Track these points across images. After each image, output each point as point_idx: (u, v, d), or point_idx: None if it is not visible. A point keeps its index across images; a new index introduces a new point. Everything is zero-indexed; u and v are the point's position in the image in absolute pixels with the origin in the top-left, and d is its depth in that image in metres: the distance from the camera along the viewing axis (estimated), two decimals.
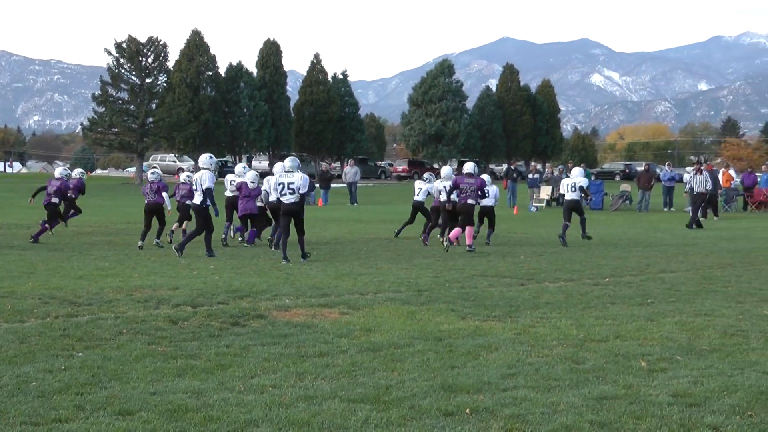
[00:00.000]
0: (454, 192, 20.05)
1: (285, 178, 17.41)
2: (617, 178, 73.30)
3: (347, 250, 19.61)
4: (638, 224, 26.63)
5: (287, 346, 8.59)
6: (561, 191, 23.13)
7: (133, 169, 64.71)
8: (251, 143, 69.64)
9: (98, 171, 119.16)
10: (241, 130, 68.15)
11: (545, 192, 42.53)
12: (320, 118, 74.70)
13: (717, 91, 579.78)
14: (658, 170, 54.18)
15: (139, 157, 64.75)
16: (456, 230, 19.94)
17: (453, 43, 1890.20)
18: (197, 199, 18.27)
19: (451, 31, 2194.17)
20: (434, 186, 22.10)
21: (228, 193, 21.45)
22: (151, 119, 63.26)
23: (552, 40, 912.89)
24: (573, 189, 21.97)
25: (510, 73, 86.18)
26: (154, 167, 25.76)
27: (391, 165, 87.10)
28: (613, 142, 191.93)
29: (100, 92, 64.02)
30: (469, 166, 20.57)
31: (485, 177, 22.40)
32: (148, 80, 63.88)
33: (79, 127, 76.11)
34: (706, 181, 30.42)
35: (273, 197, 18.43)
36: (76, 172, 25.05)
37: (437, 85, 77.04)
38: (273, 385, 7.06)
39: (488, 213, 22.01)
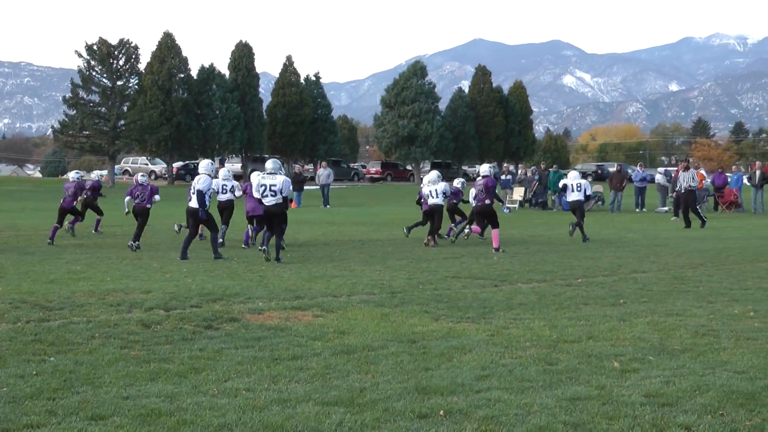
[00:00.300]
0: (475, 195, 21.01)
1: (267, 180, 17.77)
2: (590, 178, 73.32)
3: (320, 252, 19.60)
4: (610, 225, 26.78)
5: (261, 350, 8.58)
6: (566, 186, 23.79)
7: (104, 172, 64.28)
8: (224, 145, 69.36)
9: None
10: (214, 133, 67.86)
11: (518, 193, 42.69)
12: (293, 120, 74.55)
13: (687, 92, 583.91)
14: (630, 171, 54.52)
15: (111, 160, 64.38)
16: (476, 228, 20.78)
17: (425, 45, 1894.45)
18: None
19: (424, 32, 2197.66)
20: (423, 190, 22.48)
21: (221, 198, 21.46)
22: (122, 122, 62.89)
23: (524, 42, 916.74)
24: (578, 188, 22.96)
25: (482, 74, 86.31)
26: (143, 172, 26.06)
27: (364, 167, 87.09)
28: (585, 143, 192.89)
29: (70, 95, 63.59)
30: (484, 168, 21.67)
31: (459, 180, 22.95)
32: (119, 82, 63.51)
33: (50, 130, 75.63)
34: (693, 177, 30.71)
35: (256, 195, 18.55)
36: (95, 174, 25.76)
37: (410, 86, 77.05)
38: (247, 389, 7.04)
39: (438, 211, 21.98)
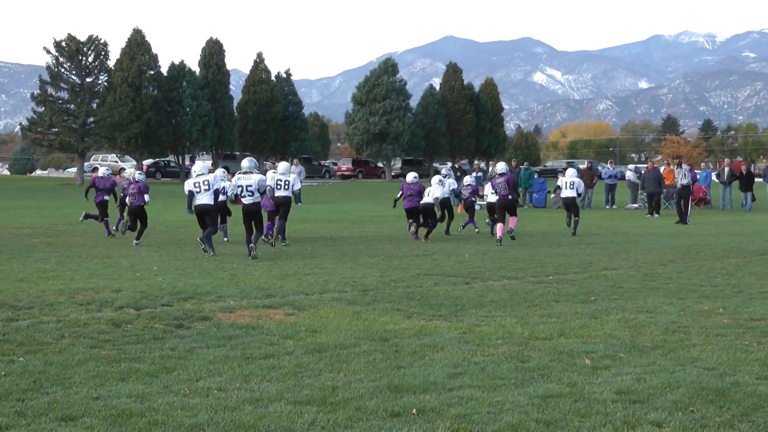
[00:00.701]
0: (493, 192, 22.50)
1: (243, 180, 18.07)
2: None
3: (292, 250, 19.56)
4: (581, 222, 26.85)
5: (232, 348, 8.55)
6: (560, 186, 26.12)
7: (74, 170, 63.79)
8: (194, 143, 69.04)
9: (38, 172, 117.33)
10: (184, 130, 67.51)
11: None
12: (264, 117, 74.32)
13: (657, 90, 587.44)
14: (600, 168, 54.80)
15: (80, 158, 63.92)
16: (500, 225, 21.55)
17: (396, 42, 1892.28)
18: (208, 199, 18.39)
19: (395, 29, 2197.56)
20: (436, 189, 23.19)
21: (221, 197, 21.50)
22: (92, 119, 62.42)
23: (494, 39, 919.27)
24: (571, 186, 24.32)
25: (453, 71, 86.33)
26: (140, 169, 25.81)
27: (335, 164, 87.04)
28: (555, 140, 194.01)
29: (39, 92, 63.04)
30: (501, 166, 23.03)
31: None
32: (88, 79, 63.04)
33: (18, 127, 74.87)
34: (685, 174, 31.08)
35: (230, 195, 19.26)
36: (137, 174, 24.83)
37: (381, 84, 77.01)
38: (218, 388, 7.02)
39: (429, 211, 22.75)
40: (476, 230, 25.17)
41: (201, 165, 19.78)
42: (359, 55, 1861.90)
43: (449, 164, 67.74)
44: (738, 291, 12.77)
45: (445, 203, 23.65)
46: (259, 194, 18.11)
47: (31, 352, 8.29)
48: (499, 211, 22.21)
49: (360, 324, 9.93)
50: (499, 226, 21.57)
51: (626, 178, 41.25)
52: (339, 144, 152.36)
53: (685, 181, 30.96)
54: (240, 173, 18.40)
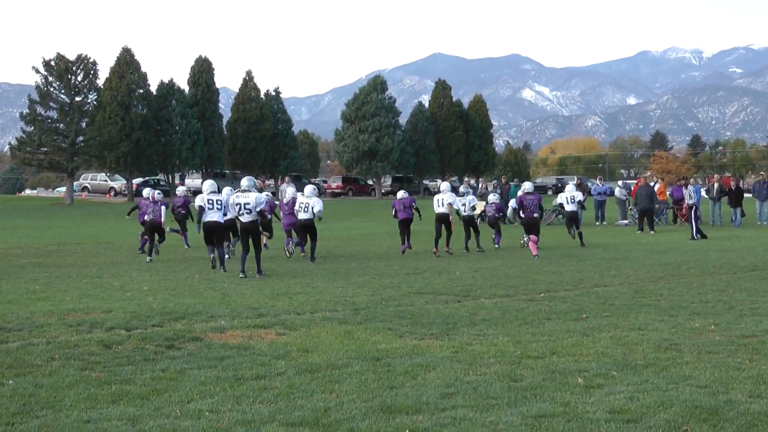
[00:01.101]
0: (521, 209, 23.61)
1: (241, 199, 18.30)
2: (550, 192, 73.94)
3: (282, 268, 19.54)
4: (571, 238, 26.89)
5: (224, 369, 8.51)
6: (559, 202, 27.70)
7: (63, 189, 63.61)
8: (184, 161, 68.90)
9: (27, 191, 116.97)
10: (174, 148, 67.43)
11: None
12: (253, 136, 74.30)
13: (645, 105, 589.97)
14: (589, 184, 54.85)
15: (70, 177, 63.77)
16: (532, 241, 22.58)
17: (385, 59, 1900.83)
18: (218, 217, 19.30)
19: (383, 47, 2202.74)
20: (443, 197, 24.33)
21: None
22: (81, 138, 62.31)
23: (483, 56, 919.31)
24: (572, 201, 25.93)
25: (442, 88, 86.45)
26: (159, 189, 26.31)
27: (325, 182, 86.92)
28: (545, 157, 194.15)
29: (28, 111, 62.93)
30: (527, 186, 24.17)
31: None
32: (77, 98, 62.98)
33: (7, 146, 74.70)
34: (691, 194, 31.42)
35: (231, 215, 19.23)
36: (181, 190, 25.77)
37: (370, 101, 77.08)
38: (210, 410, 6.98)
39: (444, 221, 24.02)
40: (496, 246, 26.22)
41: (210, 182, 19.95)
42: (348, 73, 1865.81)
43: (463, 181, 67.76)
44: (729, 307, 12.77)
45: (470, 221, 24.96)
46: (256, 213, 18.19)
47: (21, 375, 8.24)
48: (526, 229, 23.46)
49: (352, 343, 9.90)
50: (533, 238, 22.65)
51: (615, 194, 41.21)
52: (329, 161, 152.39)
53: (691, 201, 31.32)
54: (239, 191, 18.57)
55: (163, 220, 22.63)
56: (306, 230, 22.34)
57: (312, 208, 22.00)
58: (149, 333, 10.50)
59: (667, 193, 40.84)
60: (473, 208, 25.48)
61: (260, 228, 18.77)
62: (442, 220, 23.77)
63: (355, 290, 15.11)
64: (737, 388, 7.68)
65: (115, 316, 11.79)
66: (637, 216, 36.04)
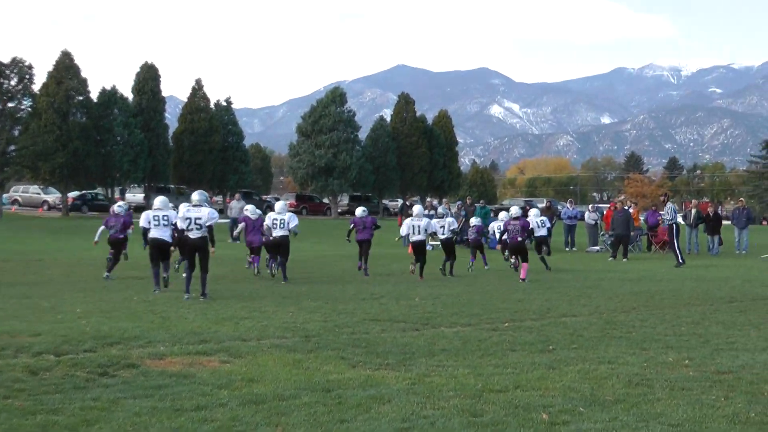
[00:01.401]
0: (505, 233, 24.94)
1: (192, 213, 18.27)
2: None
3: (228, 291, 19.42)
4: (539, 264, 27.02)
5: (161, 399, 8.42)
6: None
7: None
8: (125, 174, 68.40)
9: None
10: (114, 160, 66.94)
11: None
12: (201, 148, 74.00)
13: (620, 125, 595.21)
14: (560, 207, 55.16)
15: (0, 189, 63.12)
16: (524, 266, 23.41)
17: (345, 70, 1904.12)
18: (165, 234, 19.54)
19: (344, 57, 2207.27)
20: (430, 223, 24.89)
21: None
22: (13, 147, 61.61)
23: (449, 69, 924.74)
24: (542, 225, 27.89)
25: (405, 102, 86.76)
26: (120, 202, 25.89)
27: (277, 199, 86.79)
28: (513, 177, 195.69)
29: None
30: (515, 210, 24.64)
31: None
32: (10, 104, 62.24)
33: None
34: (669, 211, 31.85)
35: (180, 227, 18.97)
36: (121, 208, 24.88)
37: (328, 114, 77.18)
38: None
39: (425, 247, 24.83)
40: (482, 267, 27.76)
41: (161, 199, 20.01)
42: (305, 84, 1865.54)
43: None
44: (704, 341, 12.84)
45: (448, 244, 25.36)
46: (206, 229, 18.14)
47: None
48: (511, 253, 24.71)
49: (301, 373, 9.84)
50: (524, 265, 23.41)
51: (585, 219, 41.35)
52: (282, 178, 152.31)
53: (669, 218, 31.90)
54: (190, 206, 18.51)
55: (124, 236, 22.80)
56: (279, 247, 22.70)
57: (288, 223, 22.59)
58: (80, 359, 10.38)
59: (641, 218, 41.19)
60: (453, 231, 25.73)
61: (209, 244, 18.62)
62: (420, 247, 24.23)
63: (307, 316, 15.04)
64: (711, 427, 7.72)
65: (43, 340, 11.63)
66: (609, 242, 36.30)
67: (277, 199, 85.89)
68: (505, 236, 25.28)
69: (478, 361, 10.85)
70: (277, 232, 22.60)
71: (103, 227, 22.97)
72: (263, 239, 23.78)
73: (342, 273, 25.18)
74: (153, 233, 19.39)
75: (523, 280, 22.83)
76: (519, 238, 23.83)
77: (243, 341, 12.14)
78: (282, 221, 22.60)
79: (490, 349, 11.85)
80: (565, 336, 13.16)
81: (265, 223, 23.33)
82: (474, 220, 29.31)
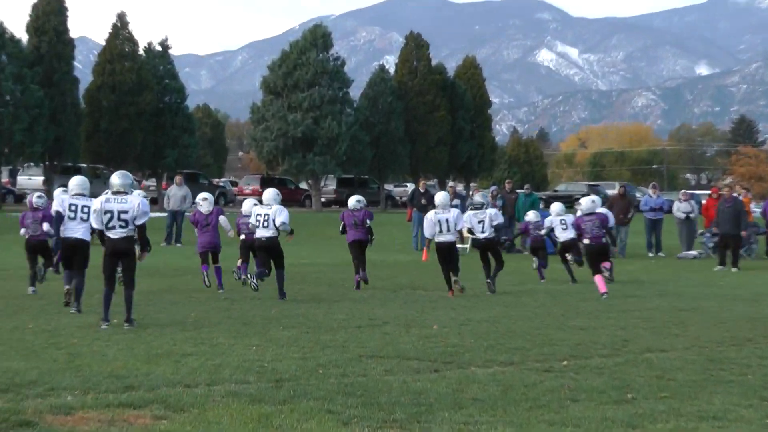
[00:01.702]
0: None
1: (114, 205, 17.67)
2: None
3: (165, 315, 19.40)
4: (563, 274, 26.91)
5: None
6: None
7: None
8: (17, 148, 68.43)
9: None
10: (2, 129, 67.06)
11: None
12: (126, 111, 73.84)
13: (724, 77, 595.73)
14: (638, 195, 55.08)
15: None
16: (599, 277, 23.80)
17: (330, 1, 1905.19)
18: (83, 233, 19.49)
19: None
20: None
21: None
22: None
23: None
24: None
25: (415, 46, 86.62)
26: (40, 191, 26.25)
27: (235, 184, 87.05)
28: (570, 152, 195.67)
29: None
30: (587, 203, 25.25)
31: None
32: None
33: None
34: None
35: (96, 226, 18.45)
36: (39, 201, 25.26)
37: (306, 62, 77.06)
38: None
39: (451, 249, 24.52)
40: (542, 280, 27.88)
41: (79, 181, 19.87)
42: (274, 21, 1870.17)
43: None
44: None
45: (488, 245, 25.18)
46: (134, 225, 17.84)
47: None
48: (591, 260, 24.37)
49: None
50: (598, 277, 23.59)
51: (674, 212, 41.06)
52: (241, 153, 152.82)
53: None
54: (110, 193, 18.11)
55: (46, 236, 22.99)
56: (268, 253, 22.69)
57: (273, 220, 22.40)
58: None
59: (757, 210, 41.03)
60: (498, 228, 25.47)
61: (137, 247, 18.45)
62: (449, 251, 24.06)
63: (278, 351, 15.00)
64: None
65: None
66: (712, 245, 36.17)
67: (234, 184, 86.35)
68: (562, 237, 26.23)
69: (526, 417, 10.78)
70: (261, 233, 22.57)
71: (22, 230, 23.26)
72: (241, 237, 24.42)
73: (328, 288, 25.14)
74: (67, 231, 19.40)
75: (604, 294, 23.04)
76: (603, 239, 24.41)
77: (187, 387, 12.09)
78: (267, 218, 22.45)
79: (541, 398, 11.79)
80: (650, 380, 13.10)
81: (250, 220, 23.39)
82: (532, 214, 29.92)
